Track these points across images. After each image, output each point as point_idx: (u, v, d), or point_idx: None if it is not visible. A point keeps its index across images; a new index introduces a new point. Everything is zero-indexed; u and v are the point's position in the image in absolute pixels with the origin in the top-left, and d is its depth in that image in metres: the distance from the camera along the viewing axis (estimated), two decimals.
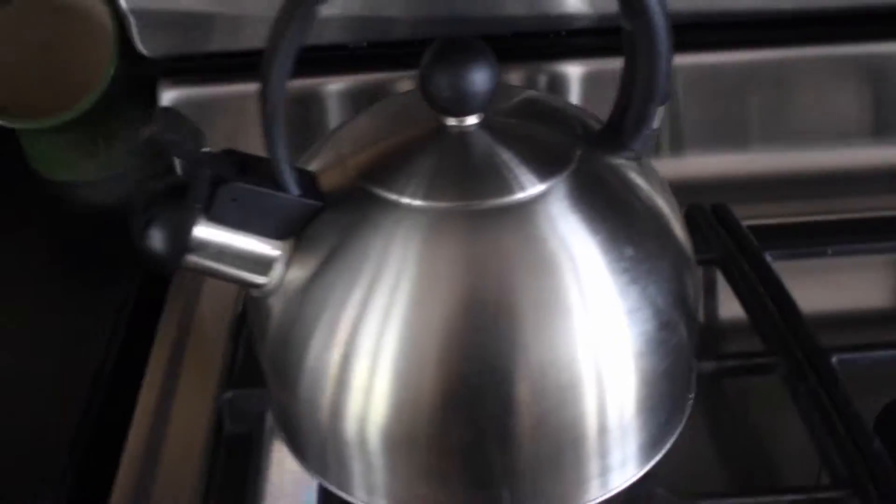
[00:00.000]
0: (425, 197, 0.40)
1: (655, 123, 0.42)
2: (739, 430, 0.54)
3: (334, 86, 0.62)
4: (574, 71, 0.65)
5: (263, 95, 0.37)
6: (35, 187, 0.67)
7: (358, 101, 0.62)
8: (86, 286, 0.61)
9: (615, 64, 0.63)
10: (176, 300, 0.60)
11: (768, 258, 0.56)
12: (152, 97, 0.63)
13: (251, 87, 0.62)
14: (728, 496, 0.45)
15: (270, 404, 0.47)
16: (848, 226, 0.62)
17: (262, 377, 0.54)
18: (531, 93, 0.47)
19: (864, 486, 0.44)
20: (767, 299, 0.54)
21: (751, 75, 0.65)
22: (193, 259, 0.40)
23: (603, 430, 0.41)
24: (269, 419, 0.52)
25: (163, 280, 0.61)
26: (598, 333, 0.39)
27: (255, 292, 0.42)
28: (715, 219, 0.60)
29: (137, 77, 0.63)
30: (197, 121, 0.39)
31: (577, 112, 0.45)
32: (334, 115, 0.61)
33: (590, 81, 0.65)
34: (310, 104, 0.62)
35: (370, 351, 0.39)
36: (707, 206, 0.62)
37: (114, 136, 0.65)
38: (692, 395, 0.46)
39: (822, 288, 0.58)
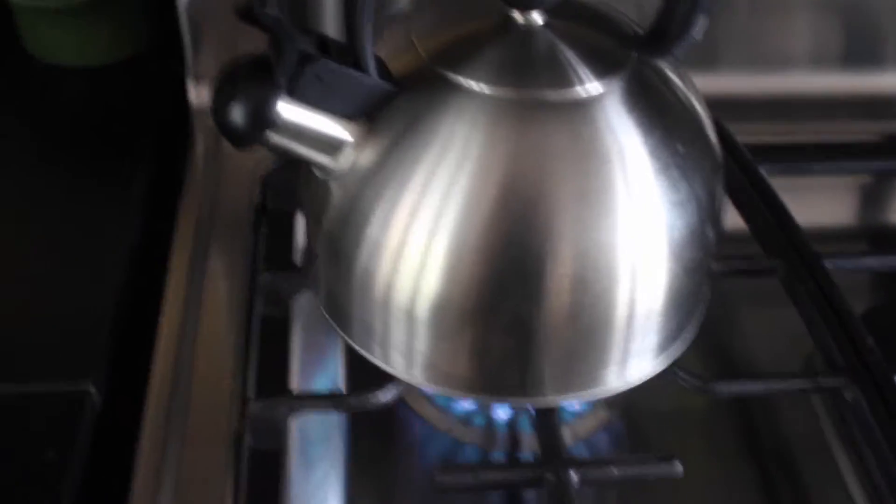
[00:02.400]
0: (494, 84, 0.41)
1: (699, 33, 0.45)
2: (738, 325, 0.58)
3: None
4: None
5: None
6: (35, 72, 0.65)
7: None
8: (98, 175, 0.60)
9: None
10: (192, 193, 0.60)
11: (763, 172, 0.60)
12: None
13: None
14: (744, 379, 0.49)
15: (313, 284, 0.49)
16: (824, 149, 0.66)
17: (288, 264, 0.56)
18: None
19: (860, 375, 0.49)
20: (765, 209, 0.58)
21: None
22: (271, 136, 0.41)
23: (633, 317, 0.44)
24: (299, 303, 0.55)
25: (175, 171, 0.62)
26: (648, 224, 0.42)
27: (319, 173, 0.44)
28: None
29: None
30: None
31: (624, 17, 0.47)
32: None
33: None
34: None
35: (428, 229, 0.41)
36: None
37: (119, 24, 0.64)
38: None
39: (801, 203, 0.62)
